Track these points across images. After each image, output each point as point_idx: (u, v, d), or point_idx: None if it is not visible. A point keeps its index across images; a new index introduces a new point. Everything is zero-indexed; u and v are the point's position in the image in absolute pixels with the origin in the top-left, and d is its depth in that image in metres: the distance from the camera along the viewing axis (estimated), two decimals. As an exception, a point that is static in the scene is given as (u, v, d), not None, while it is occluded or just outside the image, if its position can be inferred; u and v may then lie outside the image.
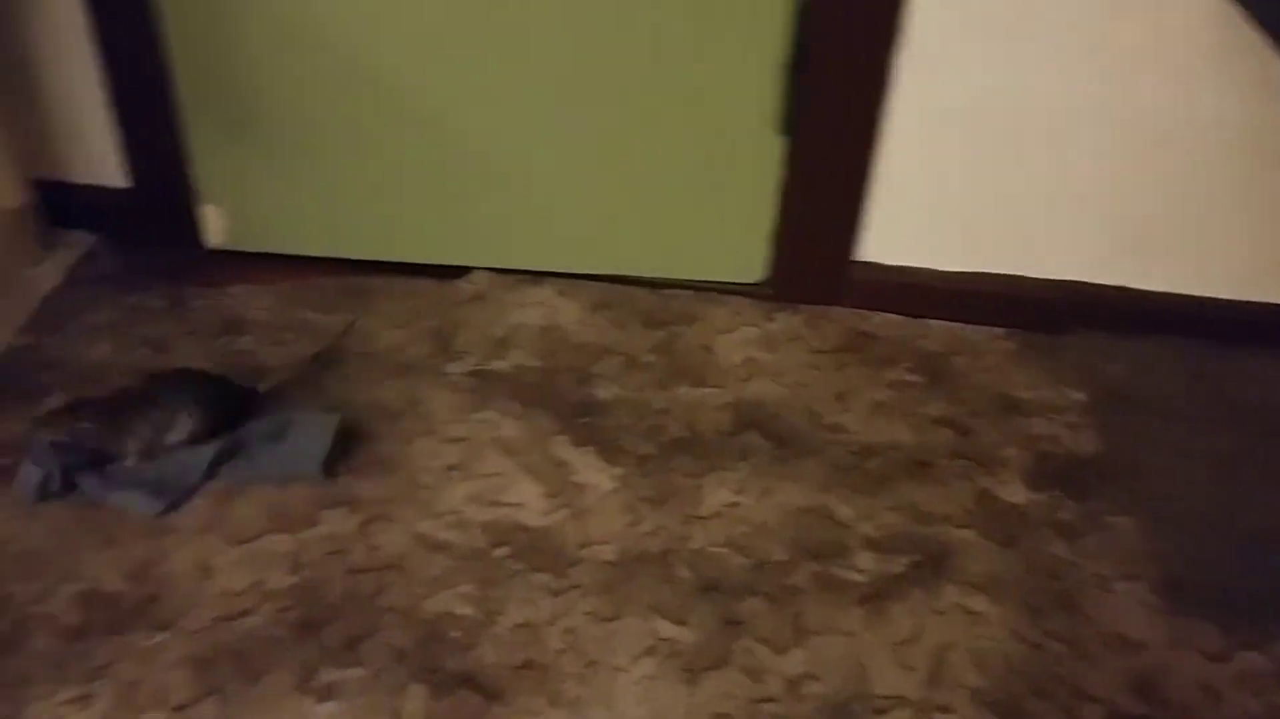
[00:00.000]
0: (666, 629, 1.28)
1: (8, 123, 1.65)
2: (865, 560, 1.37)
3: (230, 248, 1.78)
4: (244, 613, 1.27)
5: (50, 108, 1.73)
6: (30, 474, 1.37)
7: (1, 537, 1.34)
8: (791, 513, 1.43)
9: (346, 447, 1.47)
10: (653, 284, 1.78)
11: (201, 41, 1.60)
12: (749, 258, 1.76)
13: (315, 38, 1.60)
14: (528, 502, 1.42)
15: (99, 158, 1.76)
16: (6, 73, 1.67)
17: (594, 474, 1.46)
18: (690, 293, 1.77)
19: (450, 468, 1.46)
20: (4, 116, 1.65)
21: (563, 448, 1.50)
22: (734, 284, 1.78)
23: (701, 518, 1.42)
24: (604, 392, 1.59)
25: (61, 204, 1.77)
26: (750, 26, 1.56)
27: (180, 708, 1.17)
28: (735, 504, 1.44)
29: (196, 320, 1.68)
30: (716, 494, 1.45)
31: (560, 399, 1.57)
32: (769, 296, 1.77)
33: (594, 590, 1.32)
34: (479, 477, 1.45)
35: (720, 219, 1.74)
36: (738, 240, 1.75)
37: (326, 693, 1.19)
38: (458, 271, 1.78)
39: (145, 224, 1.79)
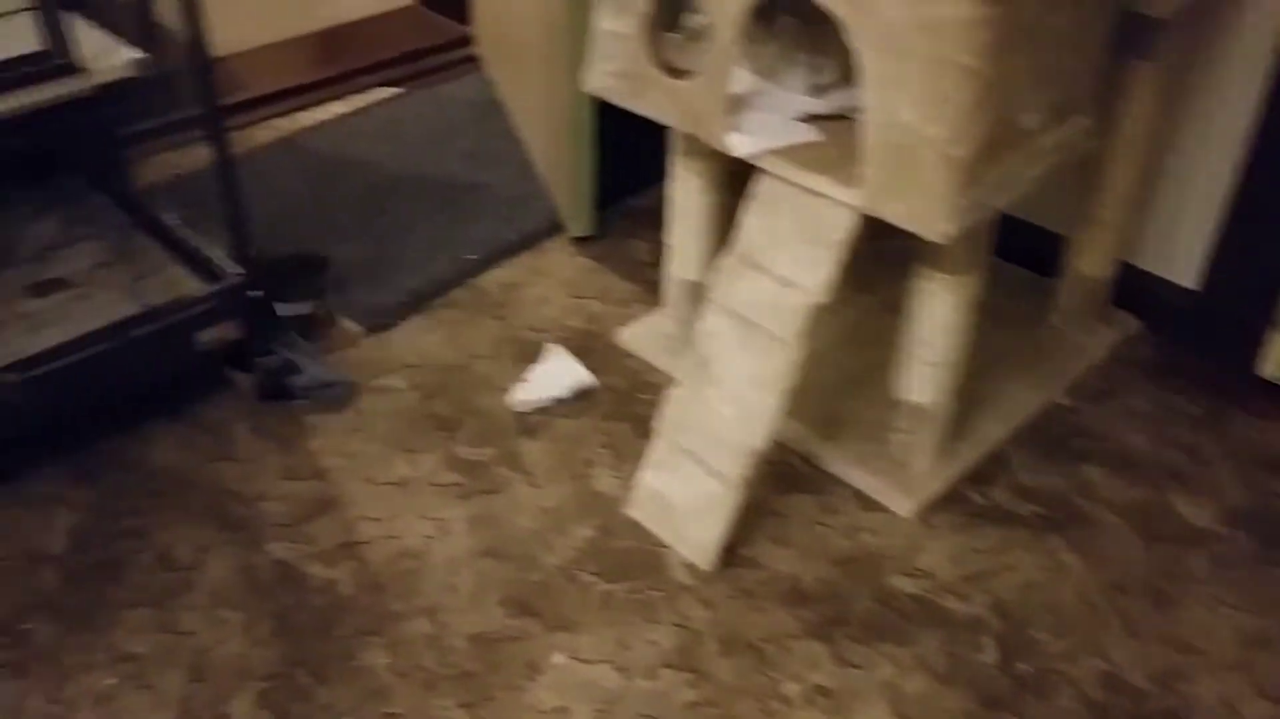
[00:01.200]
0: None
1: (1109, 201, 1.73)
2: None
3: (1285, 383, 1.70)
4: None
5: (1160, 193, 1.79)
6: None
7: (1025, 582, 1.44)
8: None
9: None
10: None
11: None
12: None
13: None
14: None
15: (1178, 253, 1.80)
16: (1131, 146, 1.74)
17: None
18: None
19: None
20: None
21: None
22: None
23: None
24: None
25: (1121, 285, 1.84)
26: None
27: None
28: None
29: (1234, 444, 1.63)
30: None
31: None
32: None
33: None
34: None
35: None
36: None
37: None
38: None
39: (1199, 330, 1.78)
